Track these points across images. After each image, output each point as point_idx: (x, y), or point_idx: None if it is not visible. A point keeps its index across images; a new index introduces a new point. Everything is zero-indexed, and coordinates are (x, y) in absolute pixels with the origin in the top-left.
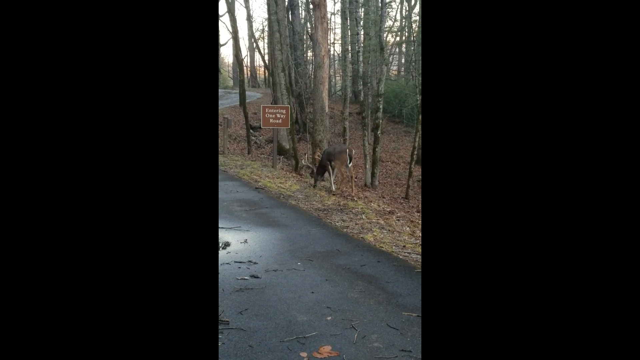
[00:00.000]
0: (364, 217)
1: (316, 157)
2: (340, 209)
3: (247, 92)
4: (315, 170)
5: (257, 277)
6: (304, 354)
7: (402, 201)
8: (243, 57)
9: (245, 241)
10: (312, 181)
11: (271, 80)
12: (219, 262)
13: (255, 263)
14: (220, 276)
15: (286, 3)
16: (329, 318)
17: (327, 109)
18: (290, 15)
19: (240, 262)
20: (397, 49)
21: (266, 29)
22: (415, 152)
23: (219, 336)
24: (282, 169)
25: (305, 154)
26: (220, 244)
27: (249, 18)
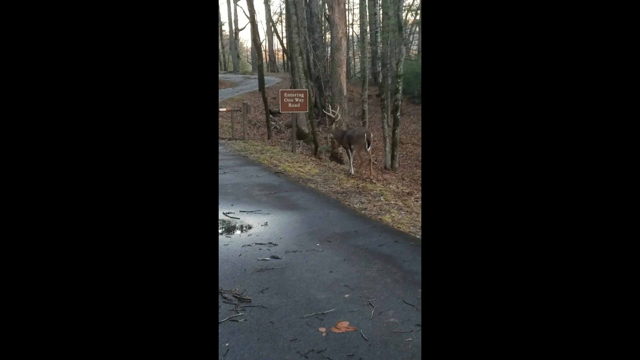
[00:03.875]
0: (382, 199)
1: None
2: (359, 191)
3: (265, 77)
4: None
5: (277, 258)
6: (322, 329)
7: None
8: (261, 41)
9: (266, 224)
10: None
11: (290, 64)
12: (241, 245)
13: (275, 245)
14: (242, 257)
15: None
16: (346, 296)
17: (345, 92)
18: None
19: (261, 243)
20: (418, 28)
21: (284, 12)
22: None
23: (242, 313)
24: (302, 153)
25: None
26: (241, 227)
27: (267, 2)
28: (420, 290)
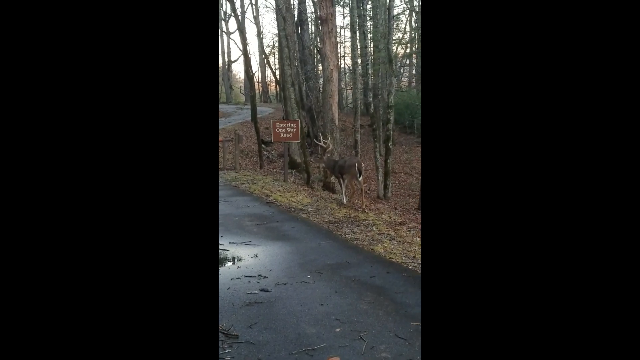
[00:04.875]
0: (374, 228)
1: (323, 145)
2: (351, 221)
3: (258, 108)
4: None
5: (267, 291)
6: None
7: (414, 212)
8: (254, 72)
9: (256, 255)
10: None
11: (282, 95)
12: (230, 277)
13: (265, 277)
14: (230, 291)
15: (295, 19)
16: (337, 330)
17: (337, 122)
18: (299, 31)
19: (251, 276)
20: (408, 61)
21: (276, 44)
22: None
23: (229, 350)
24: (294, 182)
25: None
26: (231, 259)
27: (259, 34)
28: (412, 323)
